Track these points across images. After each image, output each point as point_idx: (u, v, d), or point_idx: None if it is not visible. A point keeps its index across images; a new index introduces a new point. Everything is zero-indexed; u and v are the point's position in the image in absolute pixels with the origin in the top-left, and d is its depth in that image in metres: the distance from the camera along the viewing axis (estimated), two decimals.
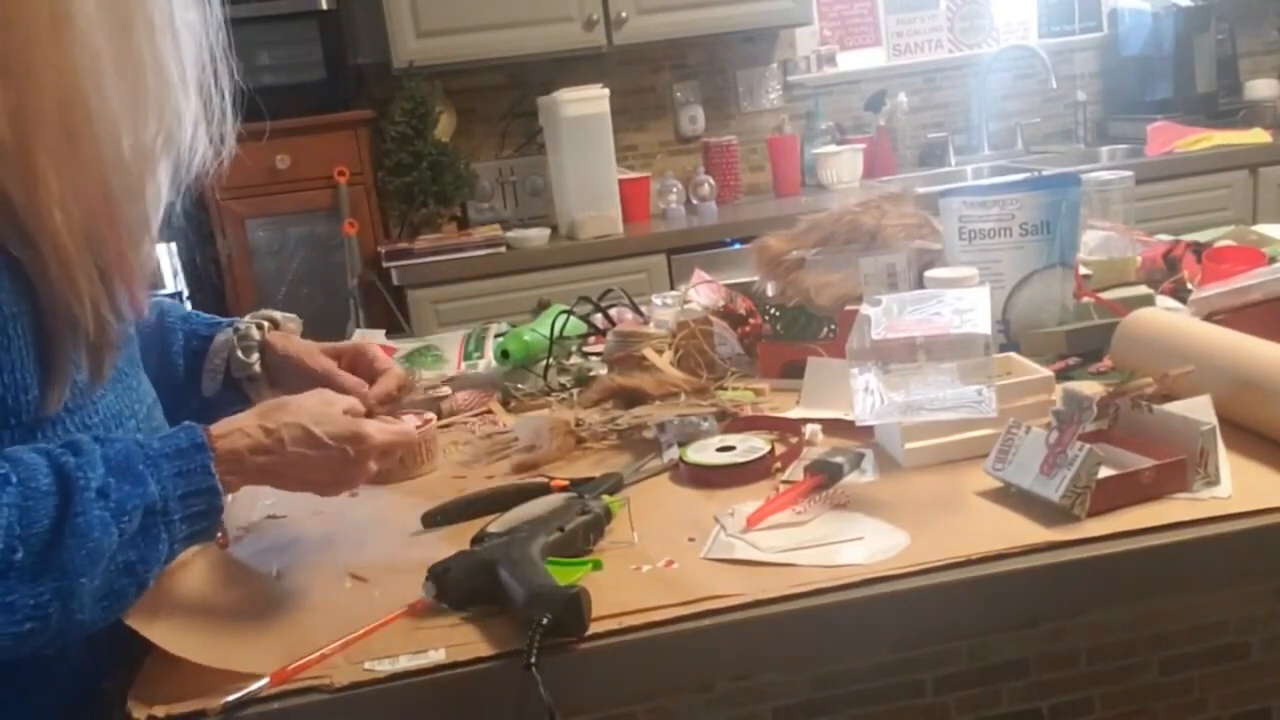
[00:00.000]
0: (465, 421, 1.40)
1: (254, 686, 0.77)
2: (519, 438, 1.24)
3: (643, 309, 1.66)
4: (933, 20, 3.78)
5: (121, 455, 0.81)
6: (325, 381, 1.10)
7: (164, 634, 0.82)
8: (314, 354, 1.16)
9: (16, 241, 0.80)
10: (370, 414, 1.01)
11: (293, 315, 1.24)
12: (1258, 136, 3.28)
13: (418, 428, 1.22)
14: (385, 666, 0.80)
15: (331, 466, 0.92)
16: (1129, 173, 1.69)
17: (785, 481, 1.07)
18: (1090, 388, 1.18)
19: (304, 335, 1.23)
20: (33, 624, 0.75)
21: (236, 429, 0.89)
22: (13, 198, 0.79)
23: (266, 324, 1.20)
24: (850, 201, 1.46)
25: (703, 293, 1.64)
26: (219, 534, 0.90)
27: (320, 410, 0.93)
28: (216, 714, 0.76)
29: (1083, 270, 1.43)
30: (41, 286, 0.81)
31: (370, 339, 1.21)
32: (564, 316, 1.58)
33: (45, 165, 0.80)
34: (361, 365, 1.17)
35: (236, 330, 1.17)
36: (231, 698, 0.77)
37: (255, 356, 1.16)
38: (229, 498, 0.88)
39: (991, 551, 0.87)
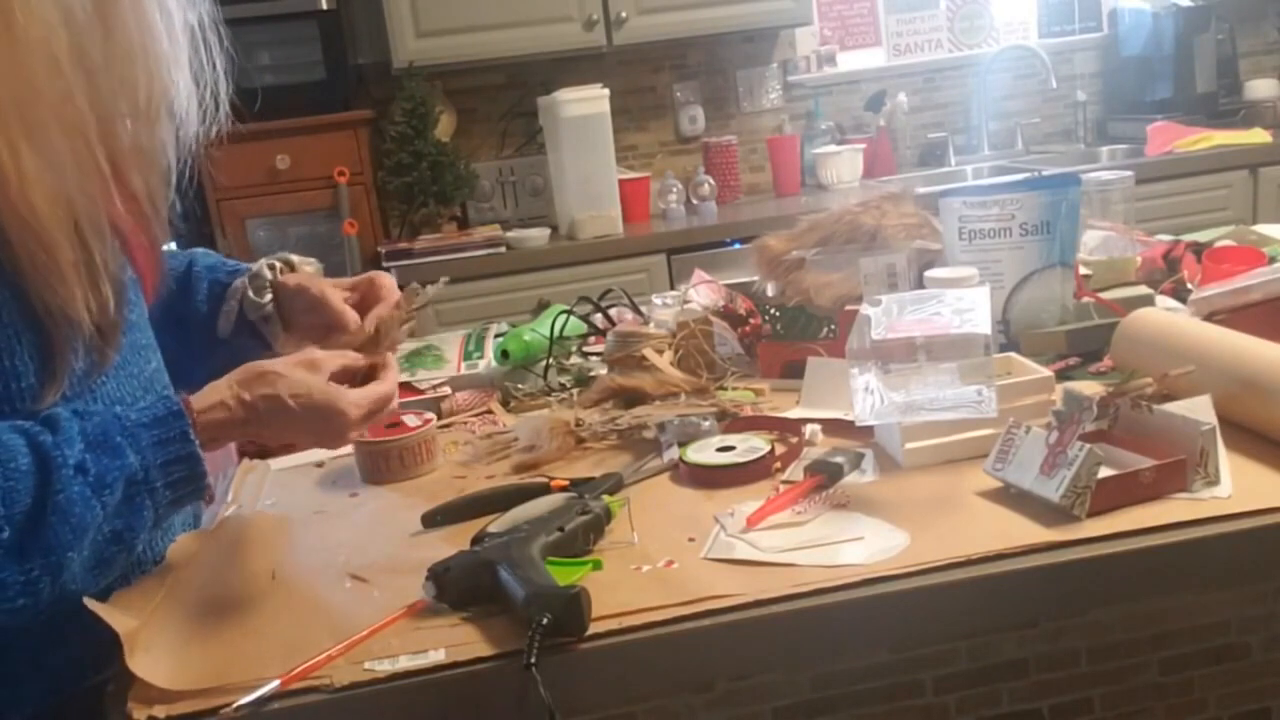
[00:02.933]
0: (465, 421, 1.40)
1: (264, 690, 0.77)
2: (519, 438, 1.24)
3: (643, 309, 1.66)
4: (933, 20, 3.79)
5: (99, 429, 0.82)
6: (336, 320, 1.11)
7: (167, 673, 0.80)
8: (328, 291, 1.15)
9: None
10: (365, 364, 1.01)
11: (310, 259, 1.24)
12: (1258, 136, 3.28)
13: (417, 428, 1.23)
14: (385, 666, 0.80)
15: (310, 433, 0.94)
16: (1129, 173, 1.69)
17: (785, 481, 1.07)
18: (1090, 388, 1.18)
19: None
20: (25, 599, 0.77)
21: (217, 402, 0.89)
22: None
23: (281, 265, 1.19)
24: (850, 201, 1.46)
25: (703, 293, 1.64)
26: (207, 494, 0.90)
27: (299, 380, 0.92)
28: (230, 716, 0.76)
29: (1083, 270, 1.43)
30: (28, 281, 0.81)
31: (381, 273, 1.20)
32: (564, 316, 1.58)
33: (8, 162, 0.79)
34: (371, 297, 1.16)
35: (250, 271, 1.18)
36: (243, 700, 0.77)
37: (268, 297, 1.17)
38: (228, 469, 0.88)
39: (991, 551, 0.87)
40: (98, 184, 0.87)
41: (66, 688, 0.89)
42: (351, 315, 1.12)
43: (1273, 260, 1.50)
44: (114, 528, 0.82)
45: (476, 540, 0.95)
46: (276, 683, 0.78)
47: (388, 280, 1.17)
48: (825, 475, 1.02)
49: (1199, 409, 0.97)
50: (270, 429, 0.92)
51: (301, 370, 0.93)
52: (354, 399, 0.94)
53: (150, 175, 0.95)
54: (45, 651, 0.88)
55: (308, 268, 1.22)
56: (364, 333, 1.10)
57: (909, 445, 1.06)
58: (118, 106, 0.89)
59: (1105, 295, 1.41)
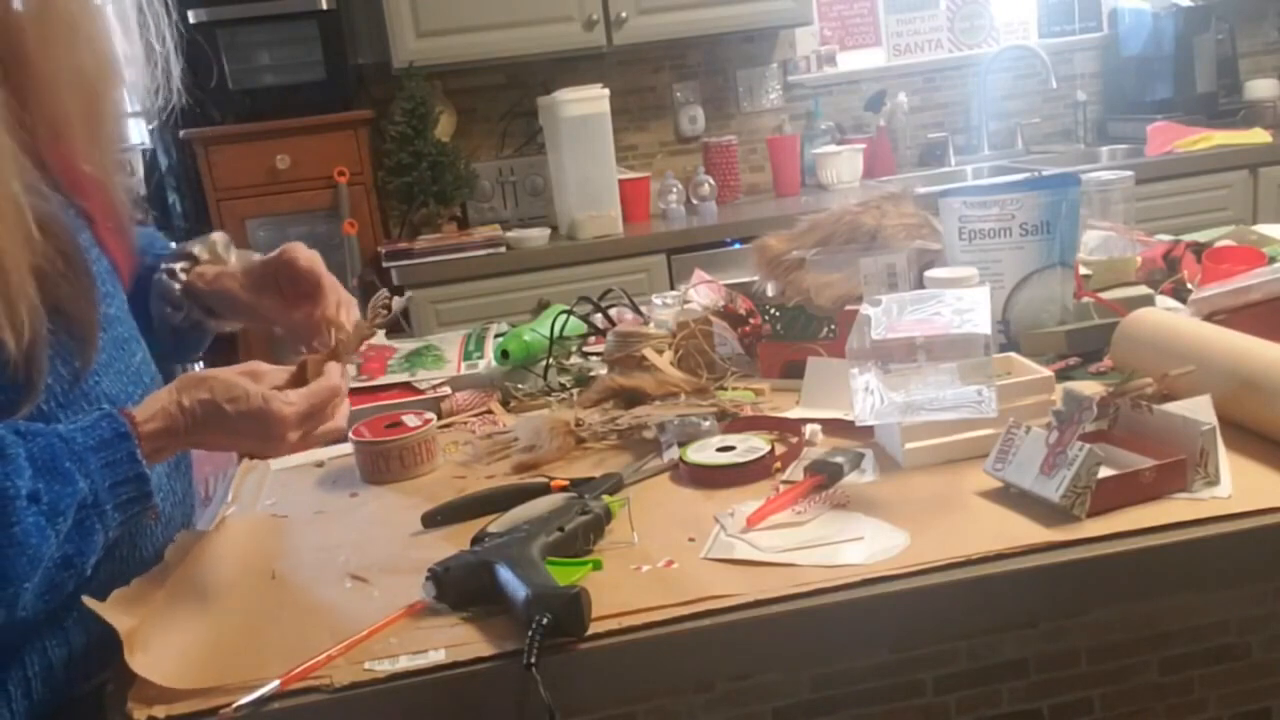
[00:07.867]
0: (465, 421, 1.40)
1: (264, 690, 0.77)
2: (519, 438, 1.24)
3: (643, 309, 1.66)
4: (933, 20, 3.78)
5: (47, 454, 0.80)
6: (252, 313, 1.11)
7: (168, 671, 0.80)
8: (240, 290, 1.12)
9: None
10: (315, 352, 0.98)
11: (216, 236, 1.18)
12: (1258, 136, 3.28)
13: (417, 428, 1.22)
14: (385, 666, 0.80)
15: (246, 437, 0.91)
16: (1129, 173, 1.69)
17: (785, 481, 1.07)
18: (1090, 388, 1.18)
19: None
20: None
21: (158, 410, 0.87)
22: None
23: (182, 266, 1.14)
24: (850, 201, 1.46)
25: (703, 293, 1.64)
26: (152, 510, 0.88)
27: (235, 384, 0.89)
28: (230, 716, 0.76)
29: (1083, 270, 1.43)
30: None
31: (297, 244, 1.13)
32: (564, 316, 1.58)
33: None
34: (291, 279, 1.11)
35: (159, 282, 1.13)
36: (243, 700, 0.77)
37: (182, 311, 1.12)
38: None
39: (991, 551, 0.87)
40: (68, 159, 0.86)
41: (69, 693, 0.89)
42: (284, 315, 1.08)
43: (1273, 260, 1.50)
44: (65, 553, 0.80)
45: (476, 540, 0.95)
46: (276, 683, 0.78)
47: (296, 259, 1.10)
48: (825, 475, 1.02)
49: (1199, 409, 0.97)
50: (208, 435, 0.89)
51: (240, 377, 0.91)
52: (289, 398, 0.91)
53: (102, 152, 0.94)
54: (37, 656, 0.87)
55: (206, 254, 1.15)
56: (328, 349, 1.04)
57: (909, 445, 1.06)
58: (59, 78, 0.88)
59: (1105, 295, 1.41)
